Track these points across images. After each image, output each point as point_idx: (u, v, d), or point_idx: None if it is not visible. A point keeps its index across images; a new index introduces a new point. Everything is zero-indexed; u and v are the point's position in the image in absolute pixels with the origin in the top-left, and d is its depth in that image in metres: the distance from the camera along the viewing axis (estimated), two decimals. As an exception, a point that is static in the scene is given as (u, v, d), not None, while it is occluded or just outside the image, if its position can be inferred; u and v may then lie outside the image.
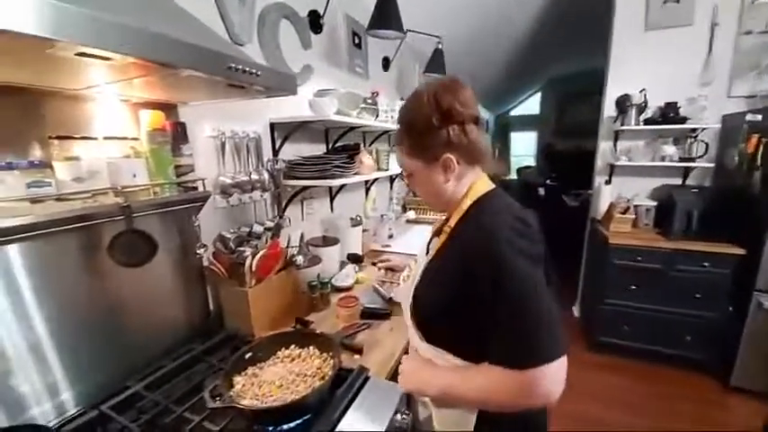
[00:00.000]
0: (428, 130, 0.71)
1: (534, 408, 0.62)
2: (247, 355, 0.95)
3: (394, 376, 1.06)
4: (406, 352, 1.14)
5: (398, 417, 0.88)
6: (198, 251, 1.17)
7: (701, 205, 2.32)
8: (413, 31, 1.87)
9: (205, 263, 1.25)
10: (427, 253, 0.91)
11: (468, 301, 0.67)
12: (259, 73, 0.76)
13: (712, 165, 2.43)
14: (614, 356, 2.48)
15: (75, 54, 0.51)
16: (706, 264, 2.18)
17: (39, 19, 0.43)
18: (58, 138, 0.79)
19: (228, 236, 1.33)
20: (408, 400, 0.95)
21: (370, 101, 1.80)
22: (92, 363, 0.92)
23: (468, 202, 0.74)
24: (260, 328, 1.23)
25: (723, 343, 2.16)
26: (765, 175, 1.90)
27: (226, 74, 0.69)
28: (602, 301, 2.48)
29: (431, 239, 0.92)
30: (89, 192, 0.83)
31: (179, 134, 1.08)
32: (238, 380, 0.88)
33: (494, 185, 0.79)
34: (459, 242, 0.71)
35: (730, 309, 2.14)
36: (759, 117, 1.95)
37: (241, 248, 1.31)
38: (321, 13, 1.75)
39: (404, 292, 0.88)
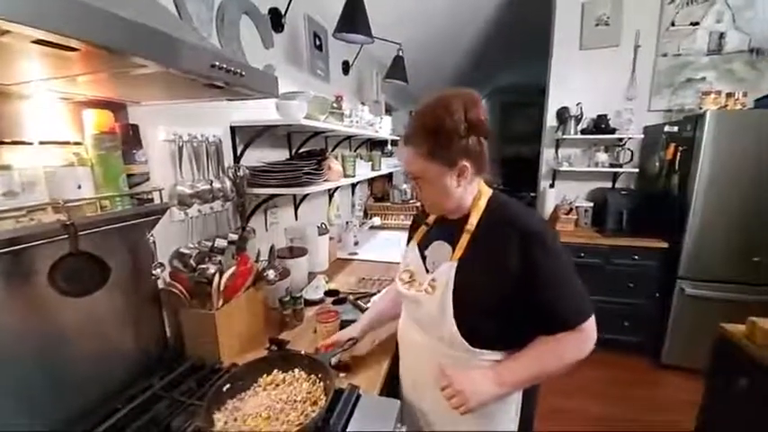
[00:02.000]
0: (454, 137, 0.76)
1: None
2: (225, 388, 0.85)
3: (382, 390, 1.03)
4: (391, 365, 1.11)
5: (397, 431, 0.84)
6: (154, 272, 1.03)
7: (630, 205, 2.62)
8: (376, 38, 1.86)
9: (161, 284, 1.10)
10: (423, 258, 0.92)
11: (519, 288, 0.75)
12: (243, 73, 0.68)
13: (636, 170, 2.77)
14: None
15: (32, 42, 0.40)
16: (636, 257, 2.45)
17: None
18: (-19, 142, 0.64)
19: (188, 252, 1.20)
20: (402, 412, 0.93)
21: (335, 105, 1.75)
22: (26, 413, 0.76)
23: (483, 201, 0.83)
24: (229, 353, 1.11)
25: (654, 326, 2.45)
26: (682, 179, 2.20)
27: (209, 73, 0.60)
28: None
29: (429, 240, 0.91)
30: (23, 208, 0.68)
31: (131, 138, 0.94)
32: (218, 417, 0.78)
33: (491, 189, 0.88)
34: (498, 239, 0.78)
35: (657, 295, 2.44)
36: (675, 128, 2.26)
37: (203, 266, 1.18)
38: (282, 11, 1.67)
39: (425, 304, 0.85)
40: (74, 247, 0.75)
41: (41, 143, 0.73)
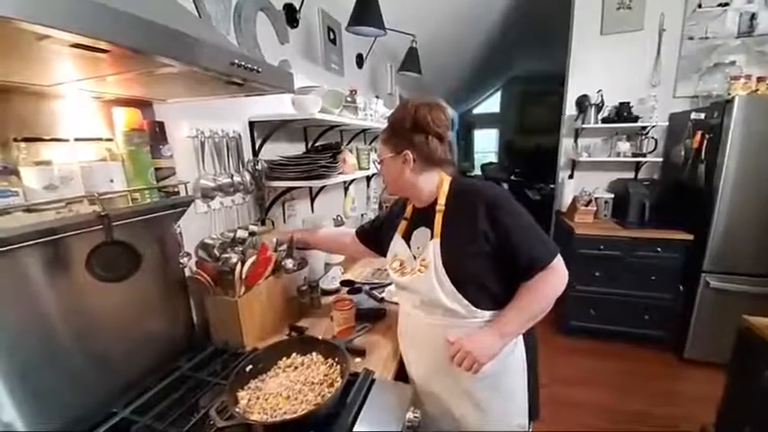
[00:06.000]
0: (400, 128, 0.94)
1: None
2: (248, 368, 0.90)
3: (398, 376, 1.07)
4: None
5: (410, 415, 0.87)
6: (181, 261, 1.09)
7: (653, 196, 2.54)
8: (389, 29, 1.86)
9: (187, 272, 1.17)
10: (408, 244, 1.02)
11: (494, 245, 0.88)
12: (260, 70, 0.71)
13: (660, 159, 2.67)
14: (584, 339, 2.65)
15: (69, 45, 0.44)
16: (659, 249, 2.38)
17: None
18: (25, 140, 0.69)
19: (211, 242, 1.26)
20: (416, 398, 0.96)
21: (349, 99, 1.77)
22: (67, 391, 0.83)
23: (446, 185, 0.97)
24: (251, 338, 1.17)
25: (676, 320, 2.39)
26: (709, 168, 2.12)
27: (229, 71, 0.64)
28: (571, 288, 2.64)
29: (411, 231, 1.02)
30: (62, 201, 0.74)
31: (158, 134, 0.99)
32: (242, 395, 0.83)
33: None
34: (467, 209, 0.91)
35: (681, 288, 2.37)
36: (702, 115, 2.17)
37: (226, 255, 1.23)
38: (297, 6, 1.69)
39: (422, 283, 0.94)
40: (109, 237, 0.81)
41: (77, 140, 0.79)
